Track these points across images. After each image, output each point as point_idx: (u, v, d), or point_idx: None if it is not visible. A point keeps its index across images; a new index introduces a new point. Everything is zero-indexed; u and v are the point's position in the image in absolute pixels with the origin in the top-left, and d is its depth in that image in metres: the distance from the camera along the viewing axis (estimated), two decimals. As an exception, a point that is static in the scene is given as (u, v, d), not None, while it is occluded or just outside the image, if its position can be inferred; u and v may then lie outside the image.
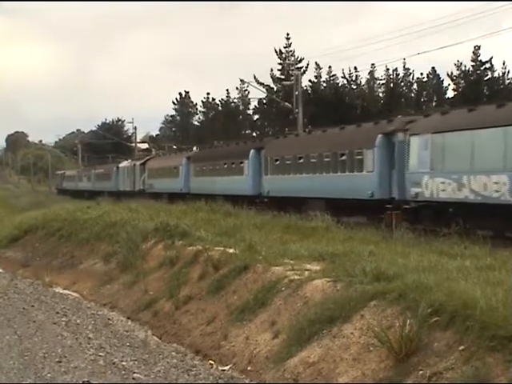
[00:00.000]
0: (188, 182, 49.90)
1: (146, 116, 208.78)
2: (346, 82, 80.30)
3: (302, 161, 34.66)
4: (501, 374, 8.48)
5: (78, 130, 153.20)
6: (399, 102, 77.17)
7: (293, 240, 19.19)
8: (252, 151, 40.08)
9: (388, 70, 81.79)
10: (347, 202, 29.53)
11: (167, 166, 55.47)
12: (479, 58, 73.70)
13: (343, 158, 31.02)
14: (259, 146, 40.41)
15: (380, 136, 28.50)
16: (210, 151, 51.51)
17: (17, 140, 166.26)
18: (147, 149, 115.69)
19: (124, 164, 70.46)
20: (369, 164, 28.92)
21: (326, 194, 31.16)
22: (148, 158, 65.09)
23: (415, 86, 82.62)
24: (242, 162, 40.99)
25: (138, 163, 63.96)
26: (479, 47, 72.81)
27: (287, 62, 75.29)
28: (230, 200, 36.87)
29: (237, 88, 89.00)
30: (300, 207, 31.92)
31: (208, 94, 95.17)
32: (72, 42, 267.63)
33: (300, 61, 75.33)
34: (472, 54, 73.47)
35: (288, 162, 35.92)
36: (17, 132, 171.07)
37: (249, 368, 12.84)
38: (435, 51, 57.53)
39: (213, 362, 13.81)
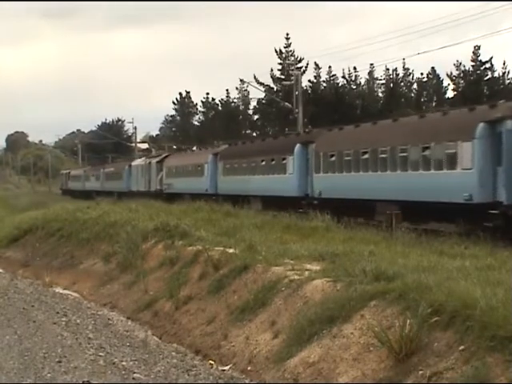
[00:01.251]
0: (215, 181, 45.38)
1: (146, 116, 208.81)
2: (345, 81, 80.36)
3: (366, 156, 29.53)
4: (501, 374, 8.48)
5: (78, 130, 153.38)
6: (399, 102, 77.21)
7: (293, 240, 19.19)
8: (298, 146, 35.35)
9: (388, 69, 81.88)
10: (431, 206, 24.93)
11: (189, 163, 50.77)
12: (479, 58, 73.72)
13: (426, 152, 25.82)
14: (307, 140, 35.67)
15: (482, 125, 23.36)
16: (242, 147, 45.34)
17: (17, 140, 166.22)
18: (147, 149, 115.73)
19: (137, 162, 65.45)
20: (465, 160, 23.80)
21: (402, 196, 26.41)
22: (166, 155, 60.07)
23: (415, 86, 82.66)
24: (284, 159, 36.36)
25: (154, 161, 59.04)
26: (479, 47, 72.88)
27: (287, 62, 75.33)
28: (268, 202, 35.14)
29: (236, 88, 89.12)
30: (364, 211, 28.21)
31: (208, 94, 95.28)
32: (72, 42, 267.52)
33: (300, 61, 75.37)
34: (472, 54, 73.52)
35: (347, 158, 30.80)
36: (17, 132, 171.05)
37: (249, 368, 12.84)
38: (435, 51, 57.63)
39: (213, 362, 13.81)
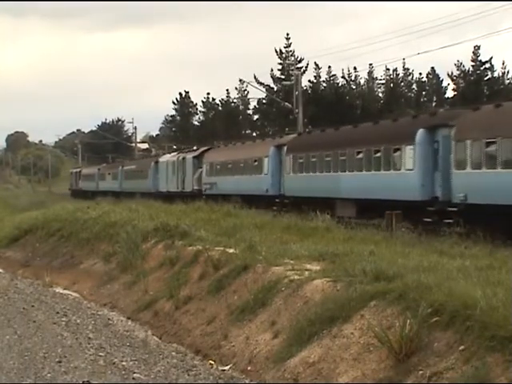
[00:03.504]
0: (279, 179, 36.78)
1: (146, 116, 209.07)
2: (345, 81, 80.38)
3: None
4: (501, 374, 8.48)
5: (78, 130, 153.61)
6: (399, 102, 77.21)
7: (293, 240, 19.17)
8: (420, 132, 26.29)
9: (388, 69, 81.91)
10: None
11: (241, 158, 41.77)
12: (479, 58, 73.74)
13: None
14: (435, 124, 26.29)
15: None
16: (323, 135, 35.62)
17: (17, 140, 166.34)
18: (147, 149, 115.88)
19: (166, 158, 56.44)
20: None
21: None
22: (205, 148, 50.28)
23: (415, 86, 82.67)
24: (397, 150, 27.49)
25: (189, 156, 50.19)
26: (479, 47, 72.93)
27: (287, 62, 75.33)
28: (367, 207, 28.34)
29: (236, 88, 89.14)
30: None
31: (208, 94, 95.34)
32: (72, 42, 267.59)
33: (300, 61, 75.36)
34: (472, 54, 73.55)
35: None
36: (17, 132, 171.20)
37: (249, 368, 12.84)
38: (435, 51, 57.67)
39: (213, 362, 13.81)
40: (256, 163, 39.38)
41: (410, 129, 27.06)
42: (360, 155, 29.60)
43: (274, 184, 36.74)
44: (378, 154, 28.46)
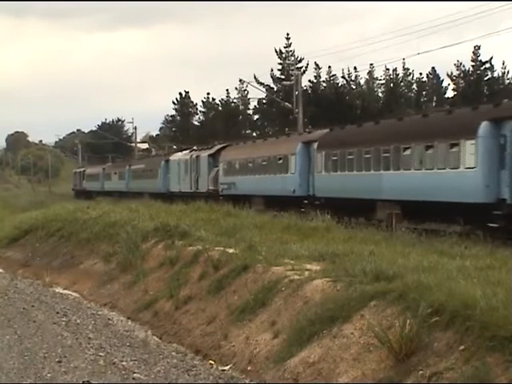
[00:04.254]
0: (308, 179, 33.75)
1: (146, 116, 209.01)
2: (345, 81, 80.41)
3: None
4: (501, 374, 8.48)
5: (78, 130, 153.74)
6: (399, 102, 77.24)
7: (293, 240, 19.17)
8: (484, 125, 23.03)
9: (388, 69, 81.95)
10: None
11: (263, 156, 38.55)
12: (479, 58, 73.76)
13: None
14: (502, 116, 22.97)
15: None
16: (359, 130, 31.79)
17: (17, 140, 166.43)
18: (147, 149, 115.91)
19: (178, 156, 53.02)
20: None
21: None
22: (221, 146, 46.79)
23: (415, 86, 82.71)
24: (455, 145, 24.17)
25: (204, 154, 47.14)
26: (479, 47, 72.97)
27: (287, 62, 75.36)
28: (415, 208, 25.28)
29: (236, 88, 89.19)
30: None
31: (208, 94, 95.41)
32: (73, 42, 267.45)
33: (300, 61, 75.38)
34: (472, 54, 73.58)
35: None
36: (17, 132, 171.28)
37: (249, 368, 12.84)
38: (435, 51, 57.67)
39: (213, 362, 13.81)
40: (281, 161, 36.09)
41: (471, 121, 23.90)
42: (407, 151, 26.40)
43: (303, 184, 33.74)
44: (431, 151, 25.15)
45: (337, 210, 26.20)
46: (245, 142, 45.90)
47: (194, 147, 52.30)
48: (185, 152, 52.75)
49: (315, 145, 33.35)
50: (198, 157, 47.79)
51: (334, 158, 31.33)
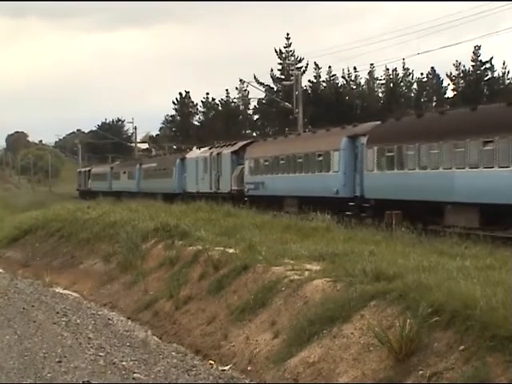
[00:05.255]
0: (353, 178, 29.77)
1: (146, 116, 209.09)
2: (345, 81, 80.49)
3: None
4: (501, 374, 8.48)
5: (78, 130, 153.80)
6: (399, 102, 77.31)
7: (293, 240, 19.15)
8: None
9: (388, 69, 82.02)
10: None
11: (300, 152, 34.50)
12: (479, 58, 73.82)
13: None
14: None
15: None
16: (419, 122, 27.66)
17: (17, 140, 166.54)
18: (147, 149, 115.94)
19: (195, 154, 49.56)
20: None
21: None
22: (246, 142, 43.47)
23: (415, 86, 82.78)
24: None
25: (226, 151, 43.35)
26: (479, 47, 73.08)
27: (287, 62, 75.40)
28: (500, 213, 21.65)
29: (236, 88, 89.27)
30: None
31: (208, 94, 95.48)
32: (73, 42, 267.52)
33: (300, 61, 75.44)
34: (472, 54, 73.65)
35: None
36: (17, 132, 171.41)
37: (249, 368, 12.84)
38: (435, 51, 57.69)
39: (213, 362, 13.80)
40: (321, 158, 32.17)
41: None
42: (489, 146, 22.24)
43: (347, 184, 29.74)
44: None
45: (384, 210, 24.14)
46: (275, 138, 42.16)
47: (215, 144, 48.92)
48: (203, 149, 49.05)
49: (363, 139, 29.35)
50: (219, 154, 43.98)
51: (390, 153, 27.39)
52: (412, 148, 26.20)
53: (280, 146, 37.44)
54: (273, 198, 34.22)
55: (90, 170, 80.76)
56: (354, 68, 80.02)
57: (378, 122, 30.70)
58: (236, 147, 42.68)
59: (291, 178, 34.45)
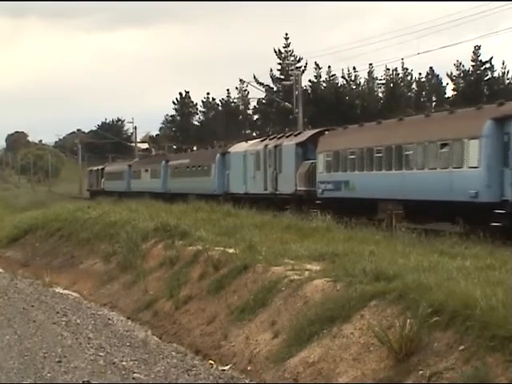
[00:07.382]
0: (501, 176, 21.13)
1: (146, 116, 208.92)
2: (345, 81, 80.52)
3: None
4: (501, 374, 8.48)
5: (78, 130, 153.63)
6: (399, 102, 77.32)
7: (293, 240, 19.15)
8: None
9: (387, 69, 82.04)
10: None
11: (408, 141, 25.79)
12: (479, 58, 73.84)
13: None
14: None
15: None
16: None
17: (17, 140, 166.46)
18: (147, 149, 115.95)
19: (243, 148, 40.92)
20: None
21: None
22: (317, 131, 34.85)
23: (415, 86, 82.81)
24: None
25: (289, 143, 34.97)
26: (479, 47, 73.11)
27: (286, 61, 75.43)
28: None
29: (236, 88, 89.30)
30: None
31: (208, 94, 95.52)
32: (73, 42, 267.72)
33: (299, 60, 75.49)
34: (472, 54, 73.67)
35: None
36: (17, 132, 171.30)
37: (249, 368, 12.84)
38: (435, 51, 57.63)
39: (213, 362, 13.80)
40: (445, 150, 23.59)
41: None
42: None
43: (492, 184, 21.31)
44: None
45: None
46: (361, 125, 31.31)
47: (271, 135, 41.71)
48: (253, 141, 41.43)
49: None
50: (277, 147, 35.76)
51: None
52: None
53: (374, 134, 28.78)
54: (361, 201, 27.31)
55: (103, 169, 73.66)
56: (354, 68, 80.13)
57: None
58: (302, 138, 34.56)
59: (394, 175, 26.29)
